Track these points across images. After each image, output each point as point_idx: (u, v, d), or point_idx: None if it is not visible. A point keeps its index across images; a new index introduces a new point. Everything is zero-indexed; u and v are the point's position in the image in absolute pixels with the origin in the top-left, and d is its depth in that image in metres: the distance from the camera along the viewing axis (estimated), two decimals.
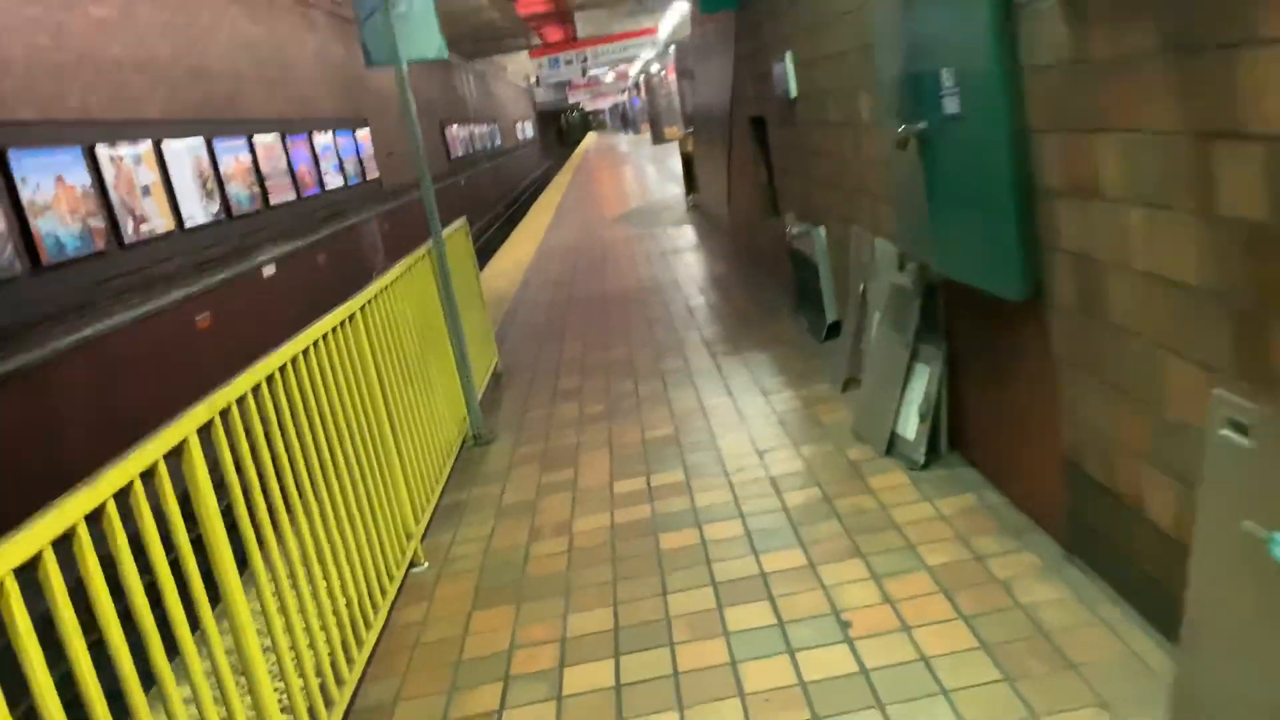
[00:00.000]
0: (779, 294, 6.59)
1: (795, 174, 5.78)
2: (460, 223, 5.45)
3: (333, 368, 2.77)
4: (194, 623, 1.81)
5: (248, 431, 2.19)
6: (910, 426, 3.37)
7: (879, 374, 3.64)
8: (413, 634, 2.82)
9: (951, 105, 2.70)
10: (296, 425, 2.45)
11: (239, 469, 2.14)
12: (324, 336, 2.72)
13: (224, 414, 2.09)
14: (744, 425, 4.07)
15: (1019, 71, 2.44)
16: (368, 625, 2.68)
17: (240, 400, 2.18)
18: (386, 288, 3.50)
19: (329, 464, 2.60)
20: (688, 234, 10.88)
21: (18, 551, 1.37)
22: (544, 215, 16.56)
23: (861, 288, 4.14)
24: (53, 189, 7.55)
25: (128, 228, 8.40)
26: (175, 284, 8.86)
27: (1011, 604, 2.38)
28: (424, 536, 3.45)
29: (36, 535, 1.40)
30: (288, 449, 2.37)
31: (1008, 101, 2.47)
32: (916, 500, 3.05)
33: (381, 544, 2.94)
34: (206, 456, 1.99)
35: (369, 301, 3.23)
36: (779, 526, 3.04)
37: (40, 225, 7.26)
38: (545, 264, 10.50)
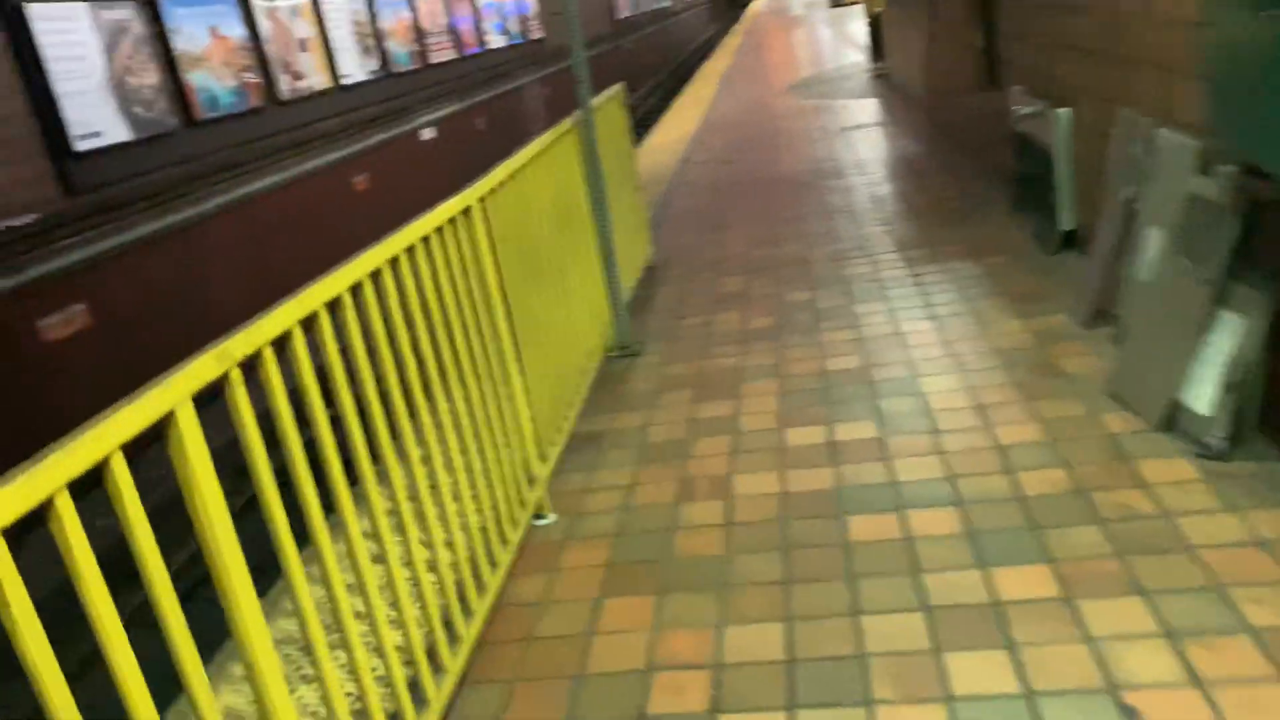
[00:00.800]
0: (991, 186, 5.49)
1: (1029, 38, 4.60)
2: (615, 89, 4.66)
3: (435, 274, 2.15)
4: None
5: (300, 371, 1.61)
6: (1204, 397, 2.45)
7: (1157, 317, 2.70)
8: (528, 619, 2.26)
9: None
10: (374, 348, 1.86)
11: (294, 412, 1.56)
12: (424, 240, 2.08)
13: (278, 343, 1.50)
14: (956, 364, 3.22)
15: None
16: (468, 613, 2.13)
17: (311, 319, 1.61)
18: (517, 172, 2.82)
19: (421, 397, 2.02)
20: (872, 107, 9.59)
21: None
22: (710, 84, 15.37)
23: (1129, 192, 3.12)
24: (206, 41, 7.26)
25: (284, 84, 8.10)
26: (333, 143, 8.57)
27: None
28: (551, 477, 2.87)
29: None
30: (371, 376, 1.79)
31: None
32: (1217, 509, 2.17)
33: (494, 495, 2.38)
34: (254, 400, 1.42)
35: (490, 191, 2.56)
36: (1014, 526, 2.25)
37: (193, 79, 7.00)
38: (709, 138, 9.55)
